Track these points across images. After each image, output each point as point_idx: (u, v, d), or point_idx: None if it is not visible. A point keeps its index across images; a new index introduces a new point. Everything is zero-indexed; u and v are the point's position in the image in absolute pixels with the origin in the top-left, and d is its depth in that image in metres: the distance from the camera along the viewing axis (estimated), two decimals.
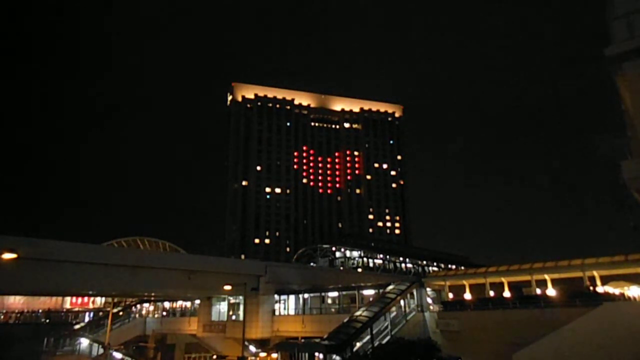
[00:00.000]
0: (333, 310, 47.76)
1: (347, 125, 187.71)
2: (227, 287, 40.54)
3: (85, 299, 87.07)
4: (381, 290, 43.35)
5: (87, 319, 76.56)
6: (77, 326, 69.48)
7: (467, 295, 41.46)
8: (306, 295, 49.68)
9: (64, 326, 69.22)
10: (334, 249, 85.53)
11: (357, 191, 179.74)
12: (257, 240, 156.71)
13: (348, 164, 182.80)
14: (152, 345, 66.86)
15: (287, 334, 47.25)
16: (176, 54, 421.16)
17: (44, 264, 35.49)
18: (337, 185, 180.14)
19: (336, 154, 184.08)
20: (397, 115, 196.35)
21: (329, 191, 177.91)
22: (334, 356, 34.37)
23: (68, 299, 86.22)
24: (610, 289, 35.41)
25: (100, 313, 77.88)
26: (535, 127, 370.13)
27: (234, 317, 54.18)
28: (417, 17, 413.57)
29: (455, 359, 31.99)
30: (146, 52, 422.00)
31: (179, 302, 66.83)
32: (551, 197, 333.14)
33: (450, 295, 43.61)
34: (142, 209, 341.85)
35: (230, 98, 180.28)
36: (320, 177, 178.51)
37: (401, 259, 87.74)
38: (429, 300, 43.45)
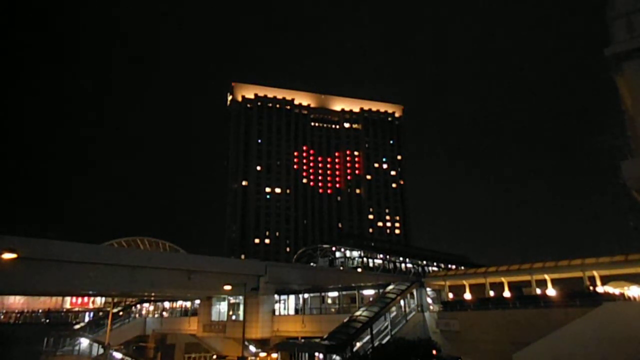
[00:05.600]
0: (333, 310, 47.72)
1: (347, 125, 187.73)
2: (227, 287, 40.53)
3: (85, 299, 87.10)
4: (381, 290, 43.32)
5: (87, 319, 76.53)
6: (77, 326, 69.46)
7: (467, 295, 41.42)
8: (306, 295, 49.66)
9: (64, 326, 69.21)
10: (334, 249, 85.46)
11: (357, 191, 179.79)
12: (257, 240, 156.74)
13: (348, 164, 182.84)
14: (152, 345, 66.85)
15: (287, 334, 47.23)
16: (176, 53, 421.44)
17: (44, 264, 35.50)
18: (337, 185, 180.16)
19: (336, 154, 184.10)
20: (397, 115, 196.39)
21: (329, 191, 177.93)
22: (334, 356, 34.36)
23: (68, 299, 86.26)
24: (610, 289, 35.42)
25: (100, 313, 77.86)
26: (536, 126, 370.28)
27: (234, 317, 54.16)
28: (417, 17, 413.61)
29: (455, 359, 31.99)
30: (146, 52, 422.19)
31: (179, 302, 66.79)
32: (551, 197, 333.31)
33: (450, 295, 43.56)
34: (142, 209, 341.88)
35: (230, 98, 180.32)
36: (320, 177, 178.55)
37: (401, 259, 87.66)
38: (429, 300, 43.40)
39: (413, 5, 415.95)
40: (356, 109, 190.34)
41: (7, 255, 21.76)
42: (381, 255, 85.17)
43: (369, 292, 46.41)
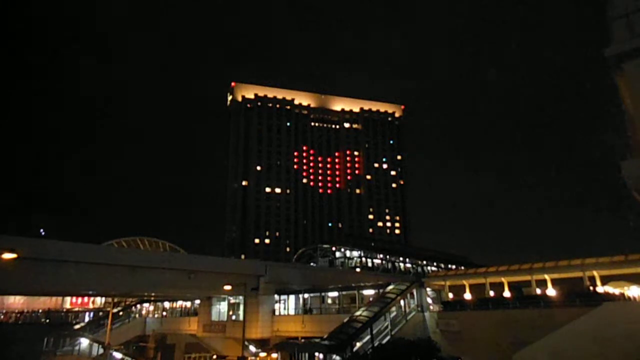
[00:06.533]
0: (333, 310, 47.73)
1: (347, 125, 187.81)
2: (227, 287, 40.56)
3: (85, 299, 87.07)
4: (381, 290, 43.32)
5: (87, 319, 76.53)
6: (77, 326, 69.44)
7: (467, 295, 41.43)
8: (306, 295, 49.67)
9: (64, 326, 69.19)
10: (334, 249, 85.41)
11: (357, 191, 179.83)
12: (257, 240, 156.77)
13: (348, 164, 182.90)
14: (152, 345, 66.82)
15: (287, 334, 47.24)
16: (176, 54, 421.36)
17: (44, 264, 35.48)
18: (337, 185, 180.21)
19: (336, 154, 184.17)
20: (397, 115, 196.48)
21: (329, 191, 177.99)
22: (334, 356, 34.35)
23: (68, 299, 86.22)
24: (610, 289, 35.38)
25: (100, 313, 77.86)
26: (536, 126, 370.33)
27: (234, 317, 54.16)
28: (417, 17, 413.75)
29: (455, 359, 31.96)
30: (146, 52, 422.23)
31: (179, 302, 66.80)
32: (551, 197, 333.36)
33: (450, 295, 43.55)
34: (142, 209, 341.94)
35: (230, 98, 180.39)
36: (320, 177, 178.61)
37: (401, 258, 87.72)
38: (429, 300, 43.41)
39: (413, 5, 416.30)
40: (356, 109, 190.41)
41: (7, 255, 21.73)
42: (381, 255, 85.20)
43: (369, 292, 46.40)
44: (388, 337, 36.37)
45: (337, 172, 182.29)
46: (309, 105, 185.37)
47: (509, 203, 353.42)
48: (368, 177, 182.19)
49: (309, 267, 72.79)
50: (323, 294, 49.53)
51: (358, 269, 76.57)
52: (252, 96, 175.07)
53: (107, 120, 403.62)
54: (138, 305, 72.55)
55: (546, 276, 38.02)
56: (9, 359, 53.45)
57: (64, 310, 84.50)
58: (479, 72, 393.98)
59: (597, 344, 27.70)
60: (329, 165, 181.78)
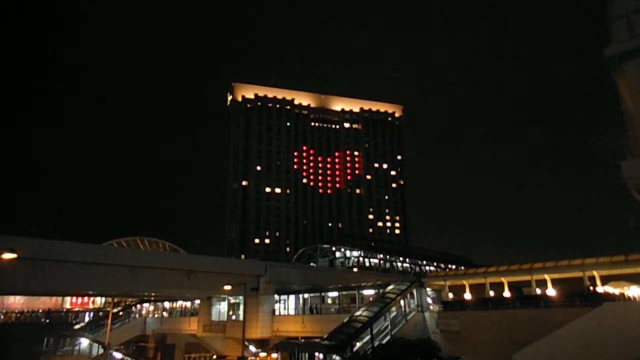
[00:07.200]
0: (333, 310, 47.70)
1: (347, 125, 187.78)
2: (227, 287, 40.53)
3: (85, 299, 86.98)
4: (381, 290, 43.28)
5: (87, 319, 76.50)
6: (77, 326, 69.42)
7: (467, 295, 41.43)
8: (306, 295, 49.66)
9: (64, 326, 69.19)
10: (334, 249, 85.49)
11: (357, 191, 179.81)
12: (257, 240, 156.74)
13: (348, 164, 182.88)
14: (152, 345, 66.84)
15: (287, 334, 47.23)
16: (176, 53, 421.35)
17: (44, 264, 35.46)
18: (337, 185, 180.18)
19: (336, 154, 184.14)
20: (397, 115, 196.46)
21: (329, 191, 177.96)
22: (334, 356, 34.32)
23: (68, 299, 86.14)
24: (610, 289, 35.38)
25: (100, 313, 77.82)
26: (535, 126, 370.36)
27: (234, 317, 54.14)
28: (417, 17, 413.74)
29: (455, 359, 31.95)
30: (145, 52, 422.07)
31: (179, 302, 66.77)
32: (551, 197, 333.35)
33: (450, 295, 43.55)
34: (142, 209, 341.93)
35: (230, 98, 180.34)
36: (320, 177, 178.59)
37: (401, 259, 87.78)
38: (429, 300, 43.38)
39: (413, 5, 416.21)
40: (356, 109, 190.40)
41: (7, 255, 21.72)
42: (381, 255, 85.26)
43: (369, 292, 46.37)
44: (388, 337, 36.33)
45: (337, 172, 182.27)
46: (309, 105, 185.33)
47: (509, 203, 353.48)
48: (368, 177, 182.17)
49: (309, 267, 72.76)
50: (323, 294, 49.51)
51: (356, 269, 76.56)
52: (252, 96, 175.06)
53: (107, 120, 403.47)
54: (138, 305, 72.49)
55: (546, 276, 38.02)
56: (9, 359, 53.47)
57: (64, 310, 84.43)
58: (479, 72, 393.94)
59: (597, 344, 27.71)
60: (329, 165, 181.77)
